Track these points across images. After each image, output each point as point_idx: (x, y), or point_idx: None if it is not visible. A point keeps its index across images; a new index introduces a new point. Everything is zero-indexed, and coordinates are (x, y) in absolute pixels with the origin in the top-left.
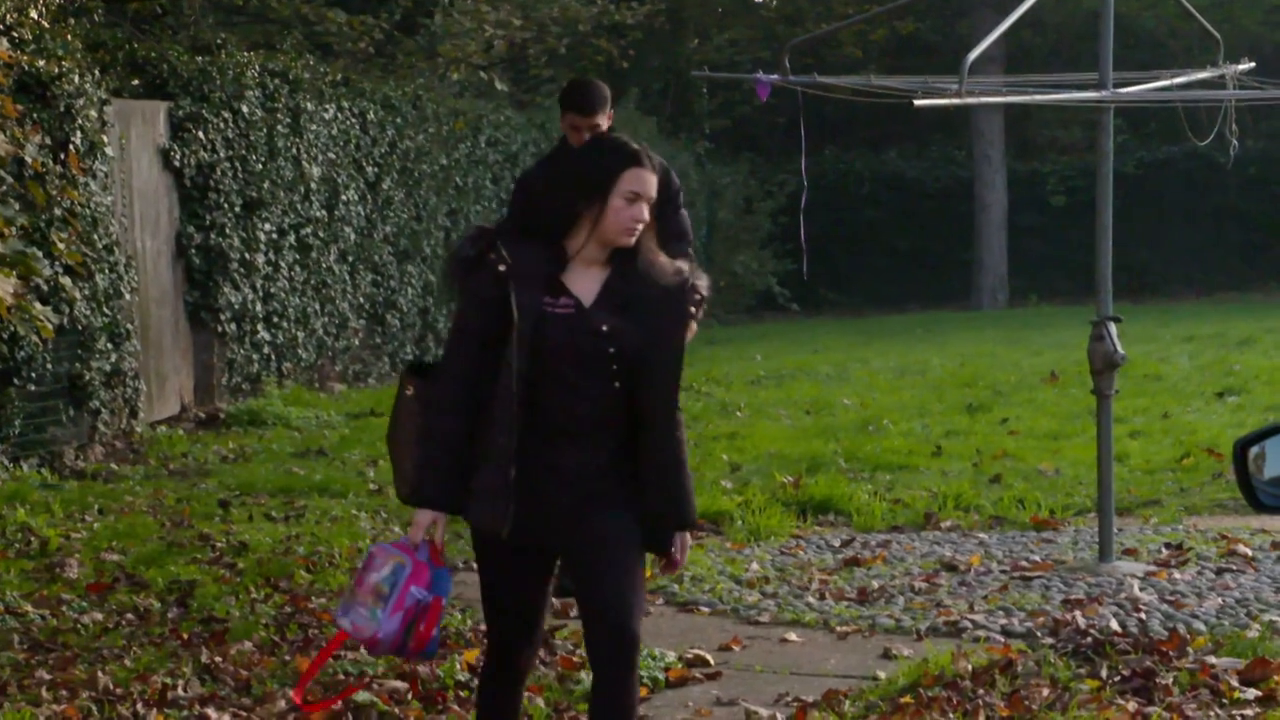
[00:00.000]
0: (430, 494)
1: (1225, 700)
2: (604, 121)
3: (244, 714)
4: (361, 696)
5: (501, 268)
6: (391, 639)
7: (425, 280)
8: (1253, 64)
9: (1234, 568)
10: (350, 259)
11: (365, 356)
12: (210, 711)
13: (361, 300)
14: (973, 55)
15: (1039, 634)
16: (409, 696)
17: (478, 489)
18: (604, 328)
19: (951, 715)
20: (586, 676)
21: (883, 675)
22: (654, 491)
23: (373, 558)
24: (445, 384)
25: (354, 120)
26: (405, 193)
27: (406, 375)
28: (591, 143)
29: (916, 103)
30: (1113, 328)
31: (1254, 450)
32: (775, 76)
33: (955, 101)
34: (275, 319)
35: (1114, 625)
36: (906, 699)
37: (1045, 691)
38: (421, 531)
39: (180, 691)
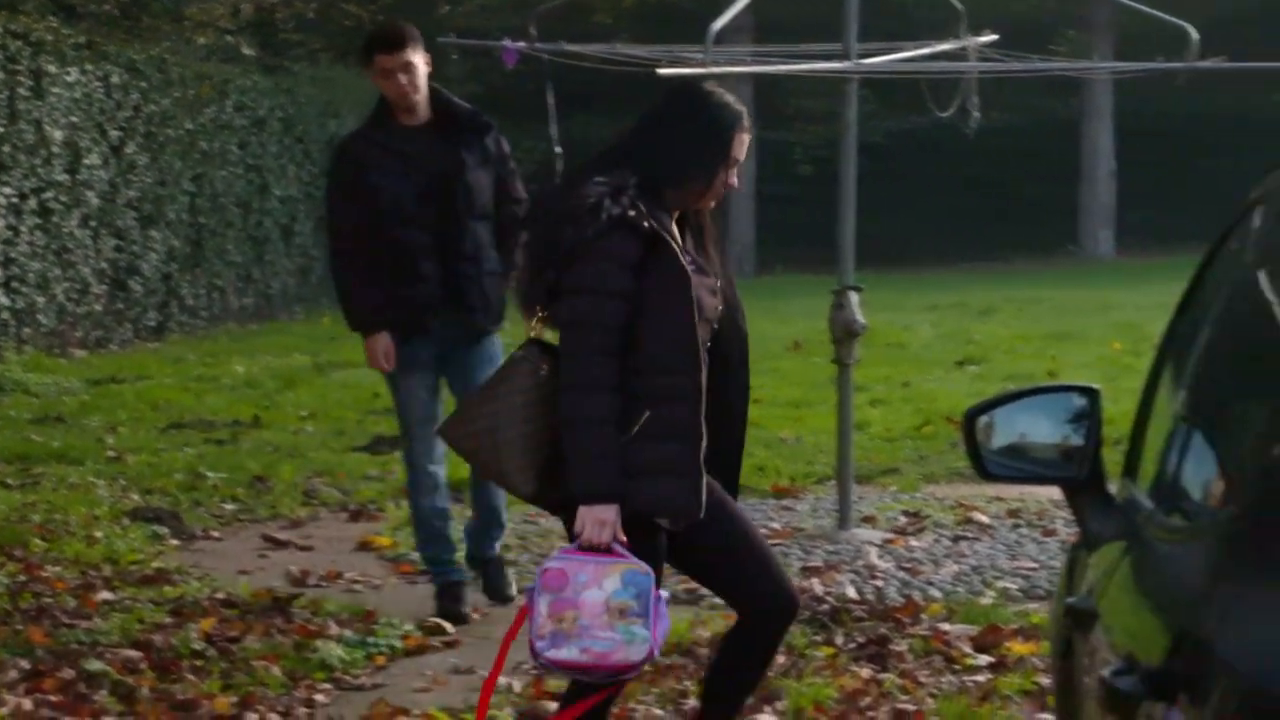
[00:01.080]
0: (616, 486)
1: (958, 666)
2: (418, 59)
3: None
4: (94, 665)
5: (647, 224)
6: (655, 649)
7: (169, 245)
8: (995, 36)
9: (970, 535)
10: (93, 223)
11: (107, 322)
12: None
13: (104, 265)
14: (718, 24)
15: None
16: (143, 665)
17: (665, 471)
18: (718, 288)
19: (688, 683)
20: (322, 645)
21: None
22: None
23: (564, 575)
24: (593, 363)
25: (98, 84)
26: (150, 157)
27: (537, 355)
28: (712, 96)
29: (660, 72)
30: (853, 296)
31: (983, 420)
32: (522, 44)
33: (700, 71)
34: (14, 284)
35: (851, 593)
36: (644, 666)
37: (781, 659)
38: (611, 529)
39: None
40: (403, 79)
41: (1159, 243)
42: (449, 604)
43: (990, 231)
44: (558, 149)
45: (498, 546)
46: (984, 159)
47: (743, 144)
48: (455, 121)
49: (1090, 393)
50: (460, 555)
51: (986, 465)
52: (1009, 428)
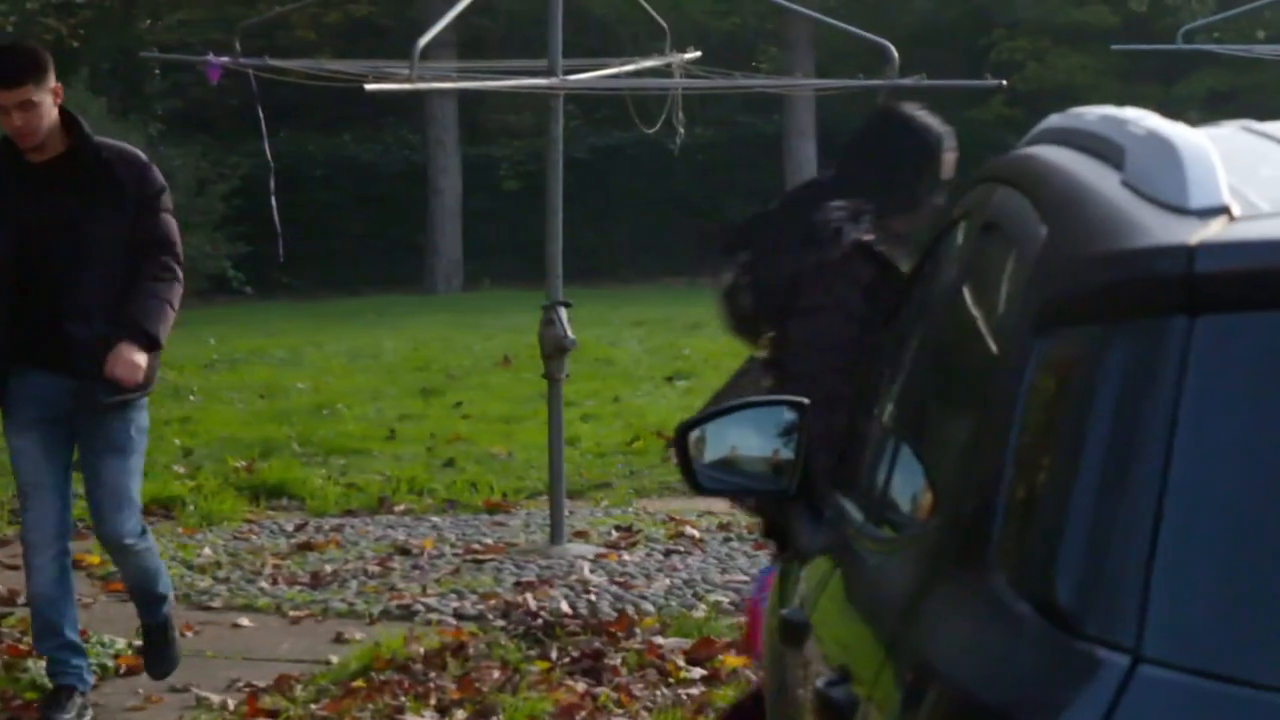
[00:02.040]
0: None
1: (672, 680)
2: (42, 95)
3: None
4: None
5: (882, 249)
6: None
7: None
8: (699, 53)
9: (682, 549)
10: None
11: None
12: None
13: None
14: (424, 40)
15: (491, 616)
16: None
17: None
18: None
19: (403, 698)
20: (34, 664)
21: (335, 659)
22: None
23: None
24: (833, 381)
25: None
26: None
27: (758, 371)
28: (915, 120)
29: (368, 87)
30: (563, 312)
31: (695, 434)
32: (226, 59)
33: (408, 87)
34: None
35: (565, 607)
36: (358, 682)
37: (496, 673)
38: None
39: None
40: (17, 118)
41: None
42: (44, 712)
43: (694, 247)
44: (271, 163)
45: (163, 611)
46: (688, 175)
47: (950, 164)
48: (84, 160)
49: (800, 407)
50: (77, 660)
51: (699, 479)
52: (720, 442)
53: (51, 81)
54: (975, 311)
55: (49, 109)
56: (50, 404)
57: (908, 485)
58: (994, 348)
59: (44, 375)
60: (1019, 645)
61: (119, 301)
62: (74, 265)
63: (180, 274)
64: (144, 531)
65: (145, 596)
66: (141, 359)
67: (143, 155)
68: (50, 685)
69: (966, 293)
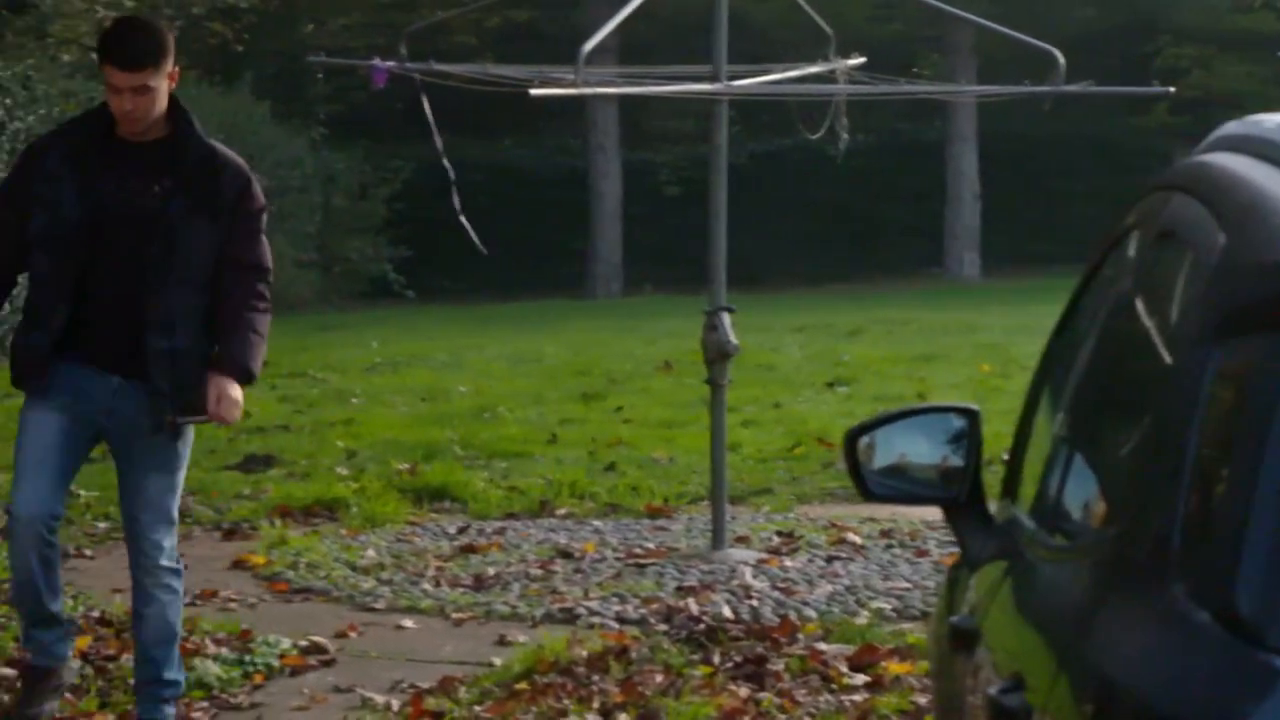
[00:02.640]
0: None
1: (835, 686)
2: (159, 82)
3: None
4: None
5: None
6: None
7: None
8: (863, 59)
9: (843, 555)
10: None
11: None
12: None
13: None
14: (589, 46)
15: (653, 621)
16: (19, 684)
17: None
18: None
19: (566, 701)
20: (199, 663)
21: (498, 662)
22: None
23: None
24: None
25: None
26: None
27: None
28: None
29: (533, 92)
30: (725, 318)
31: (864, 440)
32: (392, 63)
33: (572, 91)
34: None
35: (726, 612)
36: (522, 685)
37: (659, 677)
38: None
39: None
40: (129, 101)
41: (1023, 265)
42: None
43: (855, 253)
44: (447, 164)
45: (167, 712)
46: (848, 182)
47: None
48: (187, 152)
49: (970, 414)
50: (51, 634)
51: (868, 485)
52: (889, 448)
53: (170, 65)
54: (1149, 319)
55: (163, 95)
56: (90, 402)
57: (1081, 494)
58: (1170, 356)
59: (96, 374)
60: (1199, 656)
61: (202, 320)
62: (163, 269)
63: (270, 303)
64: (179, 565)
65: (155, 671)
66: (241, 397)
67: (247, 167)
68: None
69: (1140, 301)
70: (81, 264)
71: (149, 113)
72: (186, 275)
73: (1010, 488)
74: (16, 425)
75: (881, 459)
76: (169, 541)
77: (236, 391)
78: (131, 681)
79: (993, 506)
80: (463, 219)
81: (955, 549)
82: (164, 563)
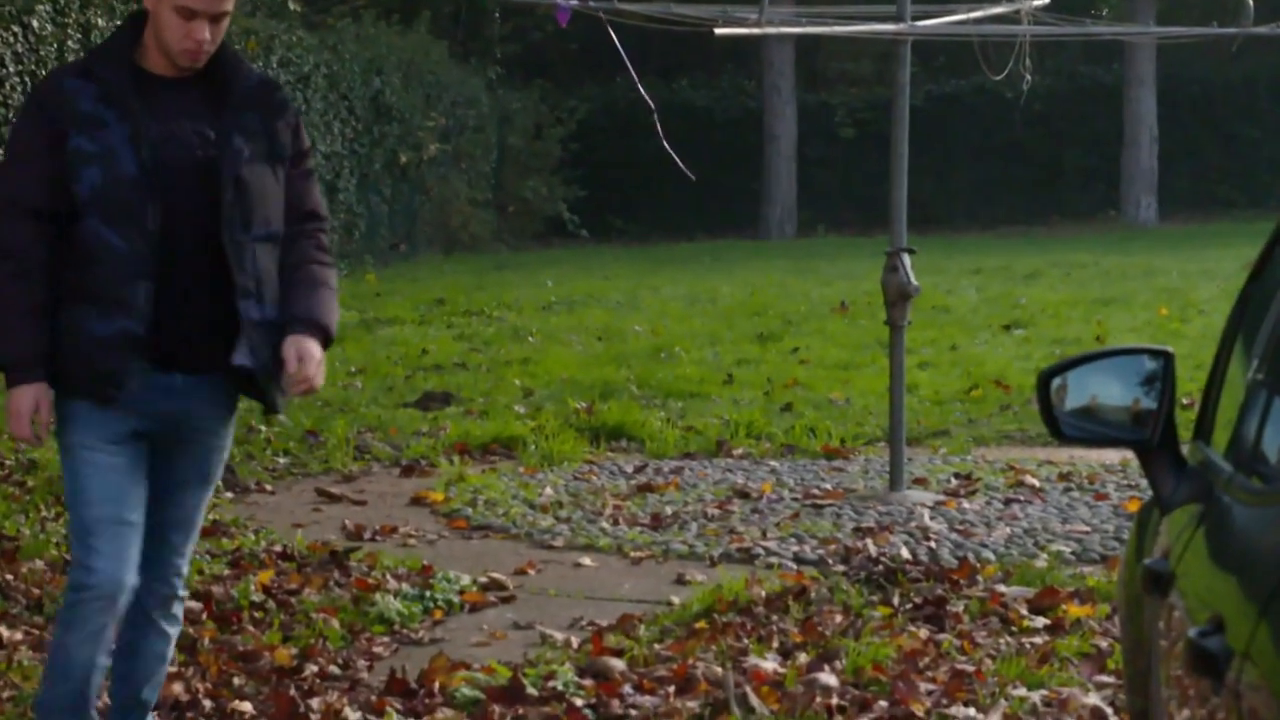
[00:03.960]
0: None
1: (1015, 628)
2: (230, 6)
3: (36, 631)
4: None
5: None
6: None
7: None
8: (1046, 0)
9: (1021, 498)
10: None
11: None
12: (2, 629)
13: None
14: None
15: (831, 561)
16: (204, 616)
17: None
18: None
19: (746, 640)
20: (380, 598)
21: (677, 600)
22: None
23: None
24: None
25: None
26: None
27: None
28: None
29: (718, 31)
30: (906, 259)
31: (1056, 381)
32: (576, 1)
33: (756, 31)
34: None
35: (905, 553)
36: (701, 624)
37: (838, 618)
38: None
39: None
40: (207, 30)
41: (1201, 209)
42: None
43: (1031, 196)
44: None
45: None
46: (1025, 124)
47: None
48: (232, 85)
49: (1163, 355)
50: None
51: (1060, 426)
52: (1081, 390)
53: None
54: None
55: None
56: (160, 415)
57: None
58: None
59: (160, 373)
60: None
61: (278, 280)
62: (242, 226)
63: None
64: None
65: (134, 700)
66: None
67: None
68: None
69: None
70: (153, 229)
71: (215, 45)
72: (266, 231)
73: (1203, 431)
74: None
75: (1073, 400)
76: (187, 568)
77: (319, 352)
78: (317, 616)
79: (1184, 450)
80: (667, 147)
81: (1134, 493)
82: (181, 592)
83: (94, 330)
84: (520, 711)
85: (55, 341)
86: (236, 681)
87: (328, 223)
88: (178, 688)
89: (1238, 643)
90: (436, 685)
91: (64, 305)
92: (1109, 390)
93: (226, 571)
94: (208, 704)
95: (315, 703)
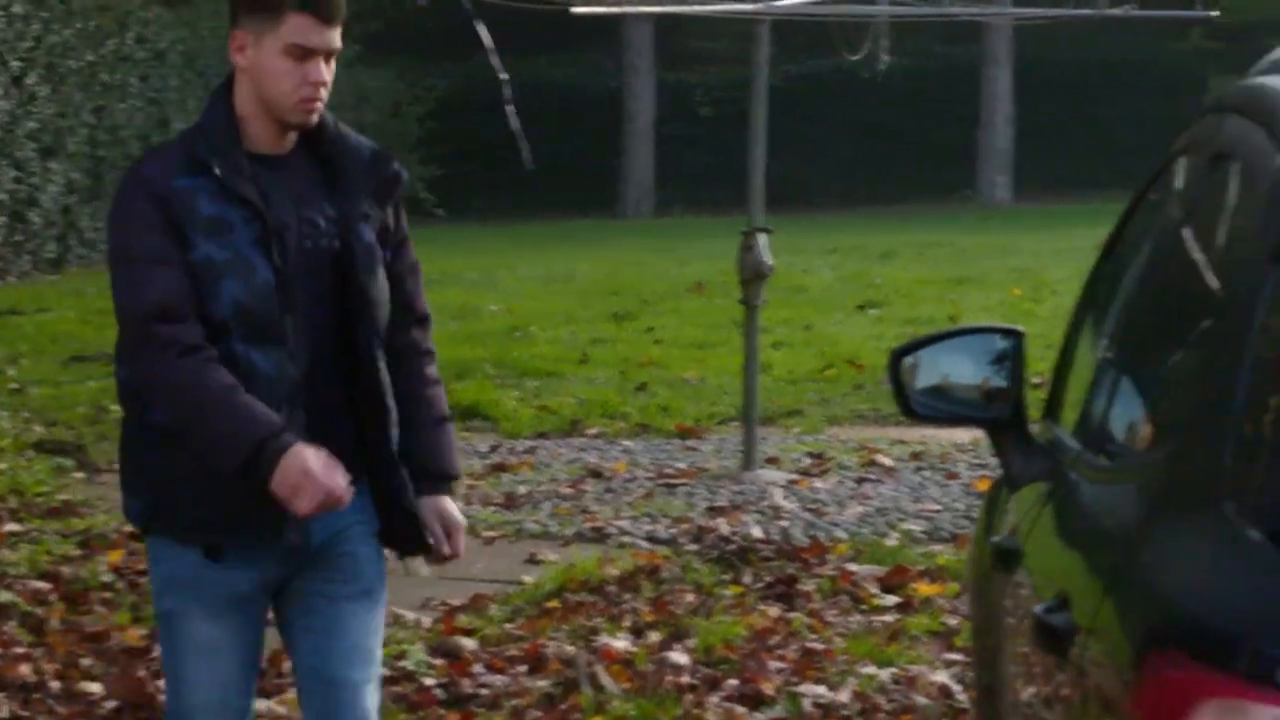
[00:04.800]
0: None
1: (865, 607)
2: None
3: None
4: (3, 596)
5: None
6: None
7: (69, 178)
8: None
9: (874, 477)
10: None
11: (6, 254)
12: None
13: (3, 197)
14: None
15: (683, 541)
16: (52, 597)
17: None
18: None
19: (598, 619)
20: None
21: (529, 580)
22: None
23: None
24: None
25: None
26: (50, 89)
27: None
28: None
29: (574, 10)
30: (762, 238)
31: (908, 360)
32: None
33: (615, 10)
34: None
35: (757, 533)
36: (553, 603)
37: (690, 597)
38: None
39: None
40: (324, 73)
41: (1056, 189)
42: None
43: (888, 176)
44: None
45: None
46: (882, 104)
47: None
48: (343, 160)
49: (1014, 335)
50: None
51: (912, 405)
52: (933, 369)
53: None
54: (1202, 242)
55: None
56: (269, 568)
57: (1128, 416)
58: (1224, 277)
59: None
60: (1250, 573)
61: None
62: (368, 335)
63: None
64: None
65: None
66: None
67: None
68: None
69: (1192, 224)
70: (294, 348)
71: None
72: (381, 340)
73: (1053, 410)
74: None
75: (925, 379)
76: (377, 701)
77: (459, 514)
78: None
79: (1033, 429)
80: (515, 126)
81: (985, 472)
82: None
83: (201, 467)
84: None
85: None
86: (85, 662)
87: (429, 320)
88: (25, 669)
89: (1083, 618)
90: (287, 665)
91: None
92: (960, 369)
93: (76, 552)
94: (55, 685)
95: (164, 684)
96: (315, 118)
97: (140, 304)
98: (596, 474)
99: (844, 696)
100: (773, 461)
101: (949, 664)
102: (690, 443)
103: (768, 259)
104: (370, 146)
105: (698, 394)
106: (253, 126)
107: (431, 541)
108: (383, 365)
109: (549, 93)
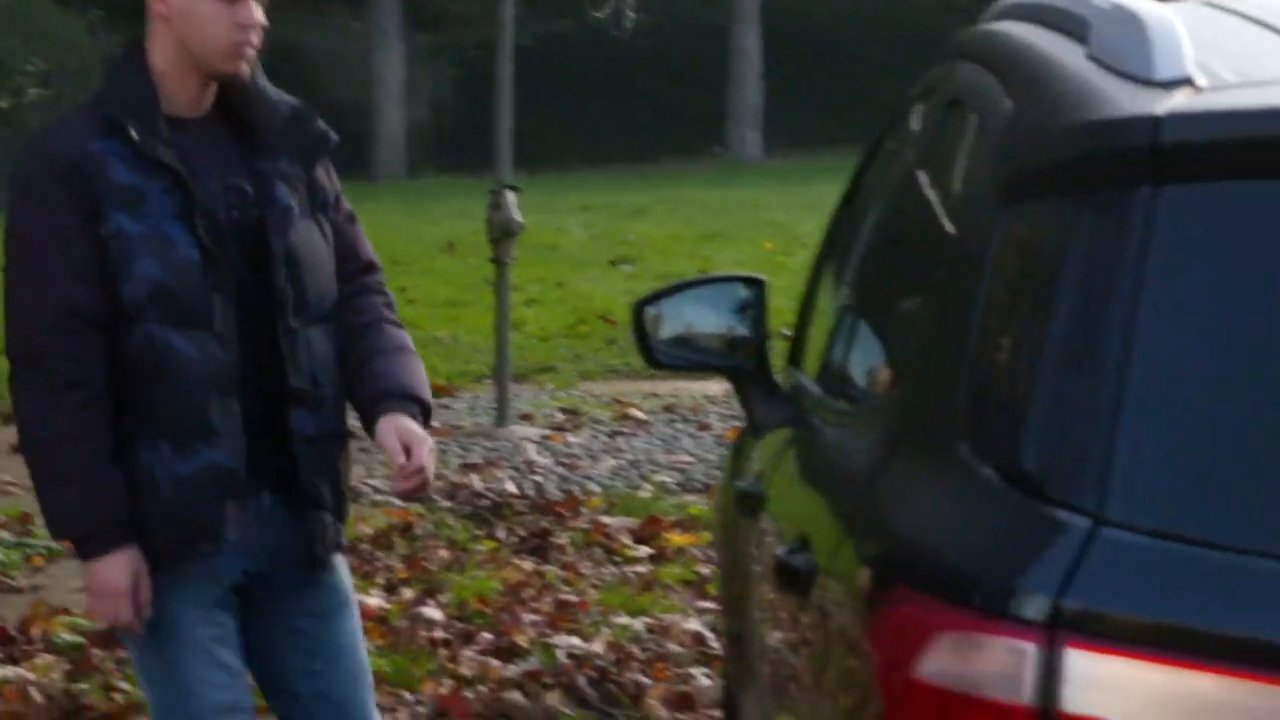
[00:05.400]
0: None
1: (619, 558)
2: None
3: None
4: None
5: None
6: None
7: None
8: None
9: (627, 431)
10: None
11: None
12: None
13: None
14: None
15: (437, 498)
16: None
17: None
18: None
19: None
20: None
21: None
22: None
23: None
24: None
25: None
26: None
27: None
28: None
29: None
30: (510, 195)
31: (651, 310)
32: None
33: None
34: None
35: (511, 488)
36: None
37: (444, 553)
38: None
39: None
40: (253, 11)
41: (806, 145)
42: None
43: (639, 134)
44: None
45: None
46: (632, 63)
47: None
48: (261, 119)
49: (756, 283)
50: None
51: (655, 355)
52: (677, 318)
53: None
54: (937, 187)
55: None
56: (252, 555)
57: (867, 360)
58: (957, 222)
59: (253, 498)
60: (983, 511)
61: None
62: (297, 306)
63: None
64: None
65: None
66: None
67: None
68: None
69: (928, 169)
70: (222, 329)
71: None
72: (322, 310)
73: (796, 357)
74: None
75: (669, 329)
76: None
77: (421, 430)
78: None
79: (778, 377)
80: None
81: (736, 423)
82: None
83: (161, 465)
84: (120, 654)
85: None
86: None
87: (380, 270)
88: None
89: (823, 559)
90: (37, 631)
91: (126, 444)
92: (704, 318)
93: None
94: None
95: None
96: (247, 66)
97: (39, 310)
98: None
99: (598, 647)
100: (526, 418)
101: (701, 612)
102: (444, 401)
103: (516, 216)
104: (290, 102)
105: (450, 352)
106: (171, 84)
107: (401, 462)
108: (305, 341)
109: (297, 54)
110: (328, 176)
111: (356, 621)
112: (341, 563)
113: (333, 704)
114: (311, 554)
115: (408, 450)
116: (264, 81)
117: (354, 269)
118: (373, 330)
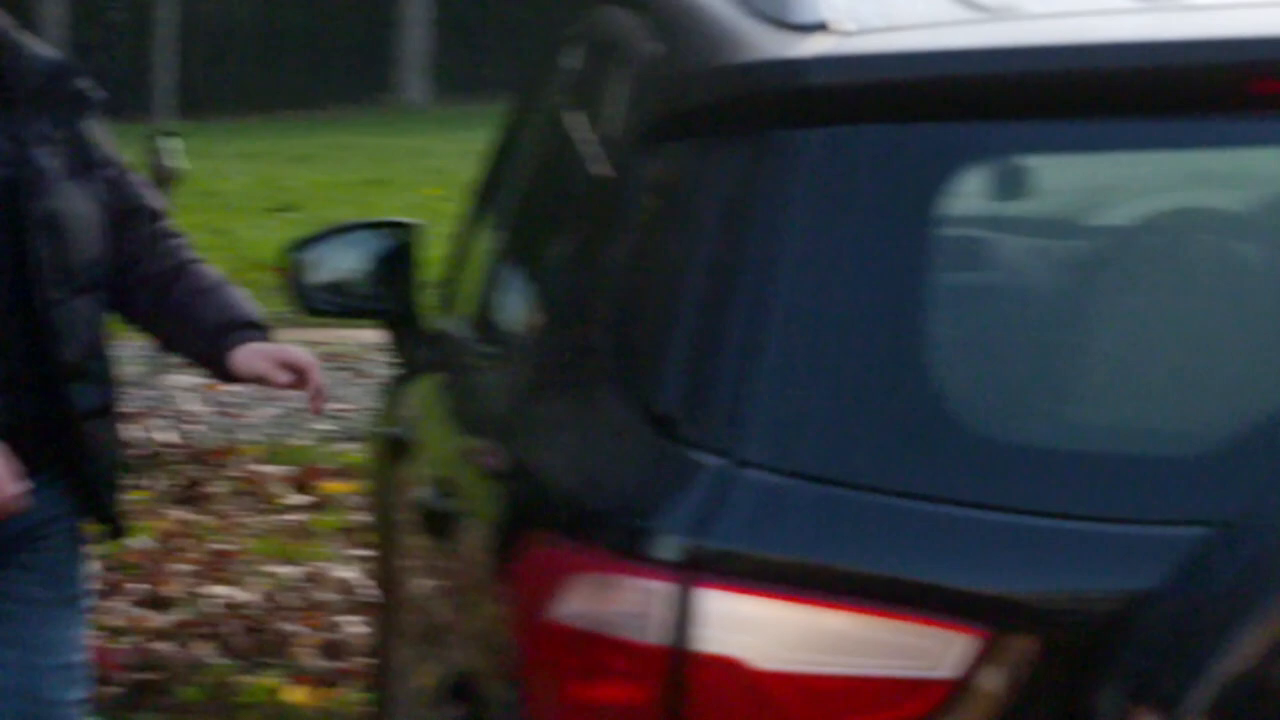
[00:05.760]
0: None
1: (274, 506)
2: None
3: None
4: None
5: None
6: None
7: None
8: None
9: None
10: None
11: None
12: None
13: None
14: None
15: None
16: None
17: None
18: None
19: None
20: None
21: None
22: None
23: None
24: None
25: None
26: None
27: None
28: None
29: None
30: (166, 142)
31: (303, 255)
32: None
33: None
34: None
35: (165, 437)
36: None
37: None
38: None
39: None
40: None
41: (475, 91)
42: None
43: (303, 80)
44: None
45: None
46: (295, 6)
47: None
48: (17, 78)
49: (406, 228)
50: None
51: (307, 300)
52: (330, 263)
53: None
54: (584, 130)
55: None
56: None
57: (516, 304)
58: (602, 165)
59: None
60: (622, 453)
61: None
62: (54, 275)
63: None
64: None
65: None
66: None
67: None
68: None
69: (576, 111)
70: None
71: None
72: (91, 277)
73: (448, 301)
74: None
75: (322, 274)
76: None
77: (300, 352)
78: None
79: (431, 323)
80: None
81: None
82: None
83: None
84: None
85: None
86: None
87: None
88: None
89: (465, 504)
90: None
91: None
92: (355, 264)
93: None
94: None
95: None
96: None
97: None
98: None
99: (252, 595)
100: (185, 366)
101: (354, 560)
102: None
103: (173, 163)
104: (49, 59)
105: None
106: None
107: (282, 381)
108: (73, 311)
109: None
110: (95, 135)
111: (74, 613)
112: (70, 542)
113: (34, 700)
114: (72, 529)
115: (295, 370)
116: (24, 39)
117: (142, 220)
118: (186, 272)
